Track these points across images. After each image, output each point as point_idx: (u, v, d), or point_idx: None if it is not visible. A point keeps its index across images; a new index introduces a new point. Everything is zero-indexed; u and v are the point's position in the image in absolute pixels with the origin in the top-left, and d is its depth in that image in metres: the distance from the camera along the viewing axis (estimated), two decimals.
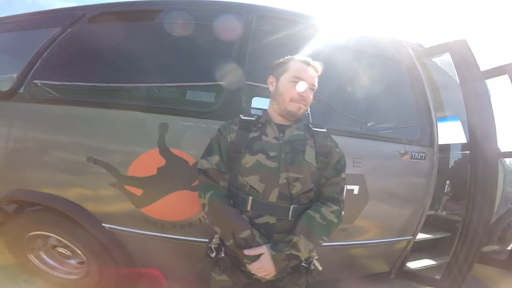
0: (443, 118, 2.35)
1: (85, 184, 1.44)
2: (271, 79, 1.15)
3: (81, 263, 1.67)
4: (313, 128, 1.15)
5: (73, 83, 1.61)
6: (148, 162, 1.37)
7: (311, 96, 1.10)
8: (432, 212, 2.64)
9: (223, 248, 1.05)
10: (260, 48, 1.58)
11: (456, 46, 1.82)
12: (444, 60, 2.13)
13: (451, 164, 2.71)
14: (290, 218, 1.02)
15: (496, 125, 1.77)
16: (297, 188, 1.03)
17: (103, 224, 1.46)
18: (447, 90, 2.21)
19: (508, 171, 2.67)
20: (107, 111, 1.46)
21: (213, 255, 1.05)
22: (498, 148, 1.75)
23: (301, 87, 1.05)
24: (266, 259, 0.96)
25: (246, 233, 0.98)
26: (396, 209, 1.69)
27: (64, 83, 1.61)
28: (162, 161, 1.36)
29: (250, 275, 1.03)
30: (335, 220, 1.03)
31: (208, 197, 1.01)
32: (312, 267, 1.07)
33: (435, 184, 1.73)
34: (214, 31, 1.55)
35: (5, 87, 1.57)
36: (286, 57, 1.13)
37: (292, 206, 1.02)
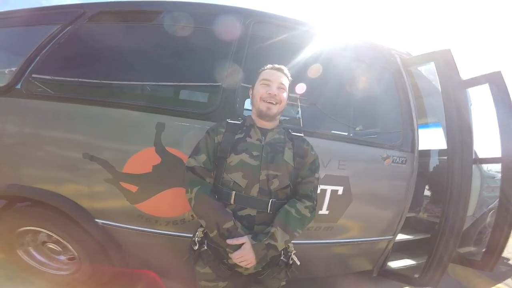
0: (425, 125, 2.55)
1: (80, 180, 1.52)
2: (250, 90, 1.34)
3: (71, 259, 1.74)
4: (292, 133, 1.32)
5: (71, 81, 1.67)
6: (144, 160, 1.46)
7: (283, 95, 1.26)
8: (413, 214, 2.85)
9: (206, 241, 1.18)
10: (256, 53, 1.70)
11: (440, 56, 1.98)
12: (429, 69, 2.31)
13: (431, 168, 2.92)
14: (269, 211, 1.16)
15: (473, 133, 1.95)
16: (275, 184, 1.18)
17: (96, 220, 1.54)
18: (430, 98, 2.39)
19: (485, 176, 2.88)
20: (105, 109, 1.54)
21: (196, 247, 1.19)
22: (473, 155, 1.93)
23: (265, 86, 1.24)
24: (247, 248, 1.09)
25: (229, 224, 1.11)
26: (378, 210, 1.84)
27: (62, 80, 1.66)
28: (157, 159, 1.46)
29: (232, 267, 1.17)
30: (309, 215, 1.19)
31: (195, 192, 1.14)
32: (291, 261, 1.23)
33: (414, 187, 1.89)
34: (212, 34, 1.65)
35: (2, 82, 1.62)
36: (259, 70, 1.32)
37: (270, 200, 1.17)
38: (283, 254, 1.20)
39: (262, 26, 1.76)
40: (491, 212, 2.95)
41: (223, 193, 1.17)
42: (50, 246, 1.73)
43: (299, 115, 1.89)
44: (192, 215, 1.52)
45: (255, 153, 1.18)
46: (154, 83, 1.73)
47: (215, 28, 1.67)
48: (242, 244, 1.10)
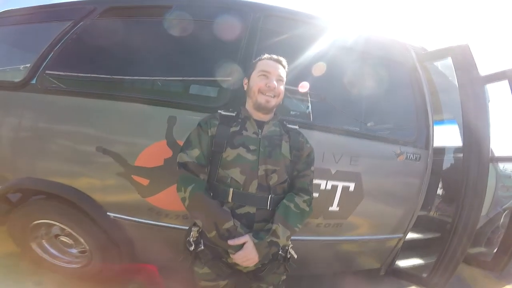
0: (440, 121, 2.48)
1: (93, 173, 1.54)
2: (245, 80, 1.28)
3: (82, 252, 1.76)
4: (287, 125, 1.29)
5: (84, 75, 1.69)
6: (155, 153, 1.46)
7: (282, 88, 1.22)
8: (424, 213, 2.80)
9: (202, 240, 1.12)
10: (267, 47, 1.64)
11: (458, 51, 1.92)
12: (445, 64, 2.24)
13: (445, 166, 2.85)
14: (268, 208, 1.13)
15: (490, 130, 1.88)
16: (274, 179, 1.15)
17: (108, 213, 1.56)
18: (446, 94, 2.32)
19: (501, 175, 2.80)
20: (118, 103, 1.55)
21: (192, 248, 1.13)
22: (490, 153, 1.87)
23: (264, 77, 1.18)
24: (250, 247, 1.05)
25: (228, 224, 1.05)
26: (389, 207, 1.81)
27: (75, 75, 1.69)
28: (169, 153, 1.46)
29: (232, 265, 1.12)
30: (307, 209, 1.17)
31: (190, 191, 1.07)
32: (289, 256, 1.20)
33: (427, 185, 1.85)
34: (222, 28, 1.63)
35: (18, 78, 1.66)
36: (255, 59, 1.28)
37: (270, 196, 1.13)
38: (281, 249, 1.16)
39: (273, 20, 1.73)
40: (506, 212, 2.87)
41: (220, 190, 1.11)
42: (63, 239, 1.76)
43: (309, 109, 1.85)
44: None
45: (252, 147, 1.13)
46: (165, 78, 1.73)
47: (225, 22, 1.65)
48: (244, 243, 1.06)
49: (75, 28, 1.71)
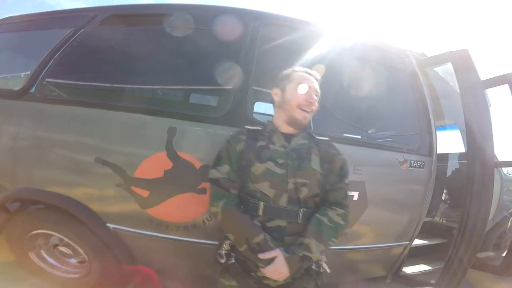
0: (443, 127, 2.43)
1: (92, 184, 1.50)
2: (275, 90, 1.25)
3: (81, 262, 1.72)
4: (316, 137, 1.24)
5: (84, 84, 1.67)
6: (155, 165, 1.43)
7: (316, 104, 1.19)
8: (429, 219, 2.73)
9: (233, 254, 1.11)
10: (267, 55, 1.64)
11: (458, 56, 1.88)
12: (445, 70, 2.21)
13: (449, 173, 2.80)
14: (299, 221, 1.10)
15: (493, 134, 1.84)
16: (304, 192, 1.11)
17: (107, 224, 1.51)
18: (447, 99, 2.29)
19: (505, 179, 2.76)
20: (117, 113, 1.51)
21: (223, 261, 1.11)
22: (495, 157, 1.82)
23: (304, 89, 1.16)
24: (280, 261, 1.03)
25: (259, 238, 1.04)
26: (394, 215, 1.77)
27: (75, 84, 1.66)
28: (169, 164, 1.42)
29: (260, 280, 1.10)
30: (342, 222, 1.13)
31: (221, 206, 1.08)
32: (322, 270, 1.16)
33: (432, 192, 1.80)
34: (222, 37, 1.61)
35: (17, 86, 1.63)
36: (288, 70, 1.24)
37: (301, 209, 1.10)
38: (314, 263, 1.12)
39: (272, 28, 1.71)
40: None
41: (250, 203, 1.11)
42: (61, 249, 1.72)
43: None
44: (203, 221, 1.48)
45: (280, 161, 1.11)
46: (165, 87, 1.70)
47: (224, 30, 1.62)
48: (274, 257, 1.04)
49: (75, 36, 1.68)
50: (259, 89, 1.71)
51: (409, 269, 2.19)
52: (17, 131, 1.57)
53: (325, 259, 1.18)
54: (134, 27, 1.75)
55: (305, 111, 1.15)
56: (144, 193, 1.45)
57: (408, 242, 1.90)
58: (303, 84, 1.16)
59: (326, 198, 1.16)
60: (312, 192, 1.13)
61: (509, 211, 2.81)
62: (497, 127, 1.90)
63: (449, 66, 1.98)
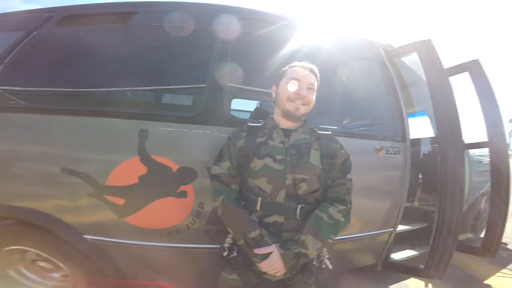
0: (413, 114, 2.49)
1: (62, 196, 1.38)
2: (273, 88, 1.25)
3: (65, 276, 1.59)
4: (318, 132, 1.22)
5: (42, 90, 1.53)
6: (128, 171, 1.33)
7: (313, 97, 1.18)
8: (408, 204, 2.77)
9: (235, 247, 1.11)
10: (241, 50, 1.59)
11: (422, 46, 1.94)
12: (412, 59, 2.28)
13: (422, 157, 2.87)
14: (297, 217, 1.08)
15: (459, 118, 1.90)
16: (303, 188, 1.10)
17: (84, 236, 1.40)
18: (414, 88, 2.35)
19: (472, 161, 2.85)
20: (81, 119, 1.40)
21: (225, 254, 1.11)
22: (463, 140, 1.88)
23: (294, 85, 1.14)
24: (275, 257, 1.03)
25: (255, 233, 1.04)
26: (376, 203, 1.77)
27: (32, 89, 1.52)
28: (143, 169, 1.33)
29: (260, 274, 1.10)
30: (342, 219, 1.10)
31: (221, 200, 1.09)
32: (323, 266, 1.14)
33: (409, 177, 1.82)
34: (192, 34, 1.54)
35: None
36: (286, 66, 1.23)
37: (299, 206, 1.08)
38: (316, 259, 1.11)
39: (246, 23, 1.66)
40: (485, 197, 2.90)
41: (249, 199, 1.11)
42: (41, 264, 1.57)
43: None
44: (186, 225, 1.40)
45: (278, 157, 1.11)
46: (132, 88, 1.59)
47: (194, 27, 1.55)
48: (270, 253, 1.04)
49: (28, 38, 1.53)
50: (236, 85, 1.63)
51: (397, 255, 2.21)
52: None
53: (327, 255, 1.16)
54: (94, 27, 1.63)
55: (297, 103, 1.14)
56: (120, 201, 1.34)
57: (393, 229, 1.91)
58: (293, 78, 1.15)
59: (327, 194, 1.14)
60: (311, 187, 1.11)
61: (480, 192, 2.90)
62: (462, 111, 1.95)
63: (415, 56, 2.03)
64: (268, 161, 1.10)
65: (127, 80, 1.53)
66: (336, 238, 1.70)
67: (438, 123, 1.89)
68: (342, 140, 1.60)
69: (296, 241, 1.04)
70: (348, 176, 1.17)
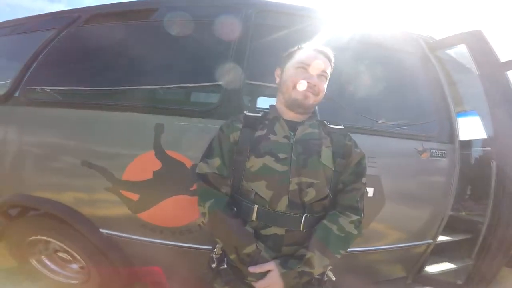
0: (462, 113, 2.10)
1: (81, 188, 1.33)
2: (277, 71, 1.02)
3: (82, 267, 1.55)
4: (329, 125, 0.98)
5: (67, 85, 1.50)
6: (143, 166, 1.23)
7: (324, 86, 0.94)
8: (451, 213, 2.38)
9: (225, 258, 0.90)
10: (262, 44, 1.42)
11: (471, 37, 1.62)
12: (459, 52, 1.91)
13: (471, 161, 2.43)
14: (301, 229, 0.86)
15: None
16: (310, 195, 0.87)
17: (100, 230, 1.33)
18: (464, 83, 1.97)
19: None
20: (101, 113, 1.33)
21: (214, 265, 0.91)
22: None
23: (303, 71, 0.90)
24: (275, 276, 0.81)
25: (250, 249, 0.83)
26: (415, 211, 1.48)
27: (59, 85, 1.50)
28: (158, 164, 1.22)
29: None
30: (355, 232, 0.87)
31: (208, 207, 0.86)
32: (326, 278, 0.91)
33: (457, 183, 1.50)
34: (210, 28, 1.40)
35: (2, 91, 1.49)
36: (294, 47, 0.98)
37: (304, 215, 0.86)
38: None
39: (267, 16, 1.48)
40: None
41: (243, 206, 0.88)
42: (61, 255, 1.56)
43: (316, 109, 1.56)
44: (199, 225, 1.26)
45: (281, 156, 0.87)
46: (151, 83, 1.50)
47: (214, 21, 1.42)
48: (268, 271, 0.82)
49: (58, 36, 1.53)
50: (257, 83, 1.47)
51: (431, 268, 1.86)
52: (3, 136, 1.42)
53: (330, 266, 0.92)
54: (119, 25, 1.57)
55: (307, 91, 0.90)
56: (134, 196, 1.25)
57: (432, 241, 1.62)
58: (303, 63, 0.91)
59: (338, 200, 0.91)
60: (320, 194, 0.88)
61: None
62: None
63: (463, 48, 1.69)
64: (269, 160, 0.86)
65: (146, 76, 1.45)
66: (364, 249, 1.54)
67: (494, 123, 1.55)
68: (376, 140, 1.40)
69: (299, 258, 0.83)
70: (363, 179, 0.93)
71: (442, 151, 1.43)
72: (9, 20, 1.87)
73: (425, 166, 1.41)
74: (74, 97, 1.47)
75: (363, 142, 1.25)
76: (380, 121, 1.65)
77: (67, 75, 1.53)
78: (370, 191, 1.30)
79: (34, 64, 1.48)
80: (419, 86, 1.64)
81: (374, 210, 1.35)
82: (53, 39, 1.53)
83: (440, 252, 2.09)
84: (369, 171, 1.27)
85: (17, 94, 1.45)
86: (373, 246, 1.48)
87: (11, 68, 1.54)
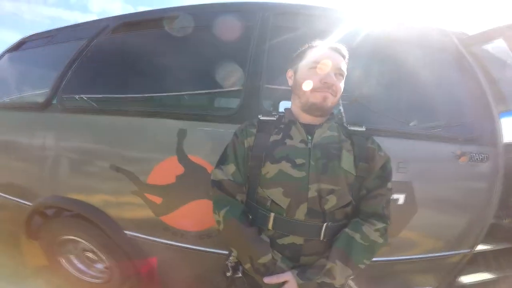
0: (508, 112, 1.83)
1: (109, 191, 1.34)
2: (289, 72, 0.94)
3: (106, 267, 1.56)
4: (349, 128, 0.89)
5: (97, 93, 1.53)
6: (167, 170, 1.21)
7: (341, 84, 0.85)
8: (493, 221, 2.11)
9: (240, 267, 0.85)
10: (279, 47, 1.33)
11: (509, 31, 1.41)
12: (498, 47, 1.68)
13: None
14: (321, 239, 0.79)
15: None
16: (331, 202, 0.79)
17: (125, 232, 1.34)
18: (506, 81, 1.73)
19: None
20: (128, 119, 1.34)
21: (229, 274, 0.85)
22: None
23: (319, 70, 0.81)
24: (291, 287, 0.74)
25: (266, 259, 0.77)
26: (452, 219, 1.32)
27: (90, 93, 1.53)
28: (180, 169, 1.19)
29: None
30: (380, 240, 0.78)
31: (223, 215, 0.81)
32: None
33: (501, 190, 1.31)
34: (229, 33, 1.35)
35: (41, 99, 1.56)
36: (304, 45, 0.90)
37: (324, 224, 0.78)
38: None
39: (284, 18, 1.40)
40: None
41: (259, 214, 0.82)
42: (88, 255, 1.58)
43: (341, 112, 1.42)
44: (218, 229, 1.18)
45: (299, 161, 0.80)
46: (174, 89, 1.47)
47: (232, 26, 1.37)
48: (284, 282, 0.75)
49: (89, 46, 1.57)
50: (275, 86, 1.39)
51: (466, 278, 1.63)
52: (42, 141, 1.48)
53: (352, 276, 0.81)
54: (143, 32, 1.59)
55: (325, 92, 0.82)
56: (158, 200, 1.23)
57: (469, 250, 1.43)
58: (317, 62, 0.82)
59: (361, 207, 0.83)
60: (342, 201, 0.80)
61: None
62: None
63: (500, 43, 1.48)
64: (285, 166, 0.79)
65: (168, 82, 1.44)
66: (394, 258, 1.38)
67: None
68: (407, 144, 1.25)
69: (320, 269, 0.75)
70: (389, 185, 0.84)
71: (483, 155, 1.25)
72: (43, 32, 1.96)
73: (464, 171, 1.24)
74: (104, 104, 1.49)
75: (393, 146, 1.14)
76: (411, 123, 1.48)
77: (97, 83, 1.56)
78: (400, 198, 1.17)
79: (69, 73, 1.53)
80: (454, 85, 1.46)
81: (405, 218, 1.21)
82: (84, 49, 1.57)
83: (477, 260, 1.86)
84: (400, 176, 1.17)
85: (54, 101, 1.52)
86: (403, 256, 1.33)
87: (49, 77, 1.61)
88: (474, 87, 1.41)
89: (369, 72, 1.46)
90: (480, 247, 1.83)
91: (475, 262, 1.83)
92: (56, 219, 1.53)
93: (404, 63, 1.48)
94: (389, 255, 1.30)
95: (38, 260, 1.71)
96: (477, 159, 1.24)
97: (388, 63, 1.49)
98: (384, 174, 0.84)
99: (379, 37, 1.43)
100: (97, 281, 1.60)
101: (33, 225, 1.55)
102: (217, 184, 0.85)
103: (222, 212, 0.81)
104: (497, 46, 1.70)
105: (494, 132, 1.31)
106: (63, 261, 1.63)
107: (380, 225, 0.79)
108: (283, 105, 2.40)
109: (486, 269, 1.81)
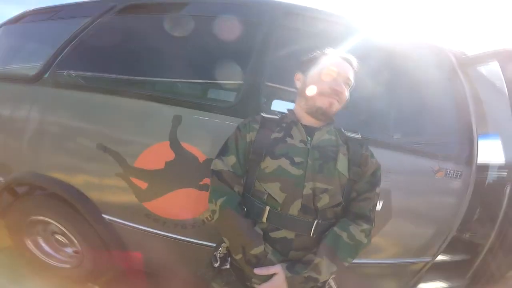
0: (485, 135, 1.91)
1: (92, 172, 1.29)
2: (298, 75, 0.97)
3: (76, 252, 1.51)
4: (346, 134, 0.93)
5: (95, 72, 1.47)
6: (157, 155, 1.18)
7: (347, 93, 0.89)
8: (455, 233, 2.24)
9: (229, 258, 0.87)
10: (284, 47, 1.34)
11: (506, 54, 1.45)
12: (492, 70, 1.73)
13: (484, 184, 2.26)
14: (311, 235, 0.82)
15: None
16: (324, 200, 0.83)
17: (103, 215, 1.30)
18: (491, 103, 1.80)
19: None
20: (122, 99, 1.29)
21: (216, 264, 0.87)
22: None
23: (330, 77, 0.86)
24: (280, 280, 0.78)
25: (258, 250, 0.79)
26: (420, 229, 1.40)
27: (86, 71, 1.47)
28: (171, 155, 1.17)
29: None
30: (365, 241, 0.84)
31: (220, 204, 0.83)
32: (327, 287, 0.87)
33: (467, 205, 1.40)
34: (237, 27, 1.32)
35: (32, 72, 1.47)
36: (317, 52, 0.93)
37: (316, 221, 0.82)
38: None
39: (292, 18, 1.38)
40: None
41: (254, 207, 0.85)
42: (58, 237, 1.51)
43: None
44: (203, 220, 1.22)
45: (297, 159, 0.84)
46: (173, 75, 1.46)
47: (240, 20, 1.33)
48: (273, 274, 0.79)
49: (92, 24, 1.49)
50: (275, 84, 1.38)
51: (426, 286, 1.75)
52: (27, 115, 1.40)
53: (333, 275, 0.87)
54: (150, 16, 1.53)
55: (333, 98, 0.86)
56: (143, 185, 1.20)
57: (431, 259, 1.53)
58: (329, 69, 0.86)
59: (350, 208, 0.88)
60: (334, 200, 0.85)
61: None
62: None
63: (495, 66, 1.52)
64: (284, 162, 0.83)
65: (168, 68, 1.42)
66: (361, 261, 1.45)
67: None
68: (393, 156, 1.28)
69: (307, 263, 0.79)
70: (377, 189, 0.90)
71: (457, 172, 1.33)
72: (46, 7, 1.83)
73: (438, 185, 1.31)
74: (100, 83, 1.43)
75: (377, 155, 1.17)
76: (395, 137, 1.52)
77: (95, 62, 1.50)
78: (379, 204, 1.22)
79: (67, 49, 1.45)
80: (443, 103, 1.50)
81: (380, 223, 1.26)
82: (86, 27, 1.49)
83: (436, 269, 1.99)
84: (382, 184, 1.20)
85: (46, 75, 1.43)
86: (373, 259, 1.40)
87: (45, 52, 1.52)
88: (461, 108, 1.46)
89: (363, 82, 1.47)
90: (441, 257, 1.97)
91: (435, 270, 1.97)
92: (27, 197, 1.46)
93: (398, 76, 1.52)
94: (361, 257, 1.35)
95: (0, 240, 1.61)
96: (451, 175, 1.31)
97: (382, 75, 1.49)
98: (374, 179, 0.89)
99: (375, 48, 1.43)
100: (64, 265, 1.53)
101: (1, 202, 1.47)
102: (217, 174, 0.86)
103: (219, 202, 0.83)
104: (490, 69, 1.77)
105: (471, 153, 1.38)
106: (29, 242, 1.54)
107: (366, 226, 0.84)
108: (276, 104, 2.41)
109: (444, 279, 1.95)
